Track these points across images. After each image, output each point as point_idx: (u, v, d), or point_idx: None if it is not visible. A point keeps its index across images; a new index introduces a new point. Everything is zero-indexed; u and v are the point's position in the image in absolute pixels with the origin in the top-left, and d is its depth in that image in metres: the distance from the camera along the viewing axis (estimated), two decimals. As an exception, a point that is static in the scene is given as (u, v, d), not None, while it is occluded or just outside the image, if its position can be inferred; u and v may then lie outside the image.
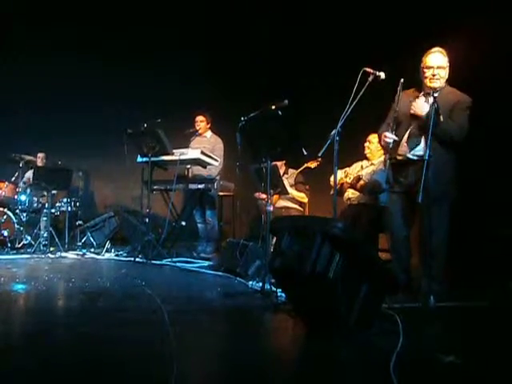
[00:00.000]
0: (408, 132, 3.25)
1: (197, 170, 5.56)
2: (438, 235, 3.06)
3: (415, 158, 3.19)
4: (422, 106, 3.15)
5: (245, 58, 6.49)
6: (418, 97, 3.28)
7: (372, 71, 3.18)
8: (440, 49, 3.21)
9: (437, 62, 3.18)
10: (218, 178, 5.53)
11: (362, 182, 4.42)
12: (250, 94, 6.10)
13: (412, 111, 3.19)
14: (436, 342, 2.43)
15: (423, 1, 4.84)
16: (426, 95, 3.25)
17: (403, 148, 3.26)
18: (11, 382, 1.78)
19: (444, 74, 3.20)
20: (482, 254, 4.24)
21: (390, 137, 3.20)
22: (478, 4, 4.35)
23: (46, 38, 6.71)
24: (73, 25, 6.80)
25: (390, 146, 3.22)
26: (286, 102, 3.58)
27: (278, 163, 5.16)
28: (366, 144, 4.53)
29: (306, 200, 5.36)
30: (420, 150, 3.17)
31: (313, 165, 5.14)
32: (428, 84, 3.22)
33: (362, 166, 4.60)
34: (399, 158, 3.29)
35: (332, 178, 3.86)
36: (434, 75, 3.18)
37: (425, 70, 3.22)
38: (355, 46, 5.37)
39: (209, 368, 2.08)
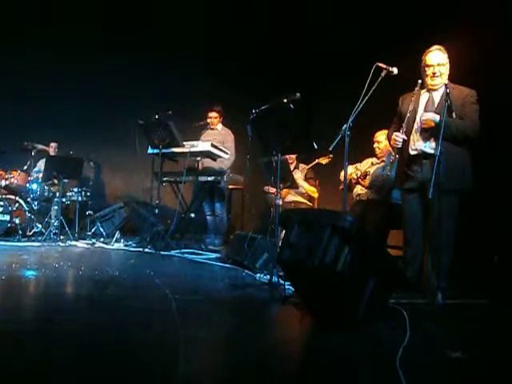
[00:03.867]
0: (420, 128, 3.24)
1: (208, 162, 5.57)
2: (446, 231, 3.04)
3: (431, 151, 3.15)
4: (432, 117, 3.16)
5: (257, 50, 6.48)
6: (420, 95, 3.32)
7: (385, 66, 3.18)
8: (439, 46, 3.24)
9: (437, 60, 3.21)
10: (228, 170, 5.54)
11: (370, 178, 4.41)
12: (262, 86, 6.09)
13: (424, 125, 3.18)
14: (443, 337, 2.43)
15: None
16: (430, 92, 3.29)
17: (418, 142, 3.24)
18: (19, 366, 1.81)
19: (444, 70, 3.24)
20: (493, 254, 4.23)
21: (400, 136, 3.25)
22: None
23: (61, 31, 6.76)
24: (94, 18, 6.86)
25: (399, 145, 3.28)
26: (298, 95, 3.57)
27: (289, 157, 5.15)
28: (375, 145, 4.52)
29: (316, 195, 5.35)
30: (433, 145, 3.16)
31: (324, 161, 5.12)
32: (429, 82, 3.27)
33: (372, 163, 4.59)
34: (413, 152, 3.27)
35: (342, 174, 3.85)
36: (434, 73, 3.22)
37: (425, 69, 3.26)
38: (369, 39, 5.34)
39: (214, 358, 2.10)
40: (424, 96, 3.31)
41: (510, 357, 2.15)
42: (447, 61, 3.23)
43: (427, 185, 2.99)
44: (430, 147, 3.18)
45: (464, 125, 3.09)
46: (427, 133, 3.18)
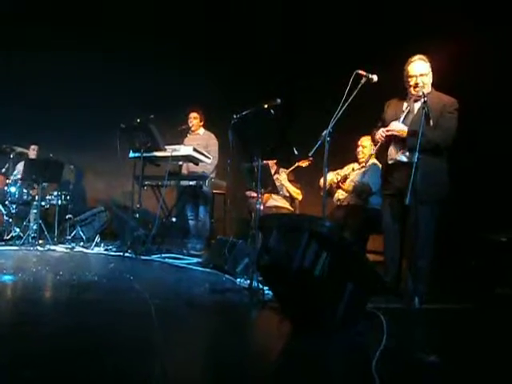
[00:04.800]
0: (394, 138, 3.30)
1: (193, 166, 5.56)
2: (424, 237, 3.08)
3: (406, 159, 3.22)
4: (399, 125, 3.22)
5: (240, 58, 6.50)
6: (403, 104, 3.34)
7: (365, 74, 3.19)
8: (421, 56, 3.26)
9: (419, 70, 3.22)
10: (213, 175, 5.53)
11: (350, 183, 4.46)
12: (245, 92, 6.10)
13: (393, 133, 3.22)
14: (419, 341, 2.46)
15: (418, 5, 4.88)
16: (411, 101, 3.31)
17: (392, 152, 3.30)
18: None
19: (427, 80, 3.24)
20: (471, 258, 4.30)
21: (385, 133, 3.26)
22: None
23: (44, 32, 6.67)
24: (70, 21, 6.78)
25: (383, 140, 3.30)
26: (279, 100, 3.59)
27: (270, 162, 5.17)
28: (359, 149, 4.55)
29: (300, 197, 5.36)
30: (407, 154, 3.22)
31: (304, 164, 5.14)
32: (413, 92, 3.27)
33: (353, 169, 4.63)
34: (390, 162, 3.32)
35: (322, 180, 3.88)
36: (416, 84, 3.22)
37: (408, 79, 3.27)
38: (351, 47, 5.40)
39: (192, 362, 2.09)
40: (405, 105, 3.33)
41: (483, 361, 2.19)
42: (430, 70, 3.24)
43: (405, 191, 3.02)
44: (405, 156, 3.23)
45: (433, 134, 3.09)
46: (401, 143, 3.23)
